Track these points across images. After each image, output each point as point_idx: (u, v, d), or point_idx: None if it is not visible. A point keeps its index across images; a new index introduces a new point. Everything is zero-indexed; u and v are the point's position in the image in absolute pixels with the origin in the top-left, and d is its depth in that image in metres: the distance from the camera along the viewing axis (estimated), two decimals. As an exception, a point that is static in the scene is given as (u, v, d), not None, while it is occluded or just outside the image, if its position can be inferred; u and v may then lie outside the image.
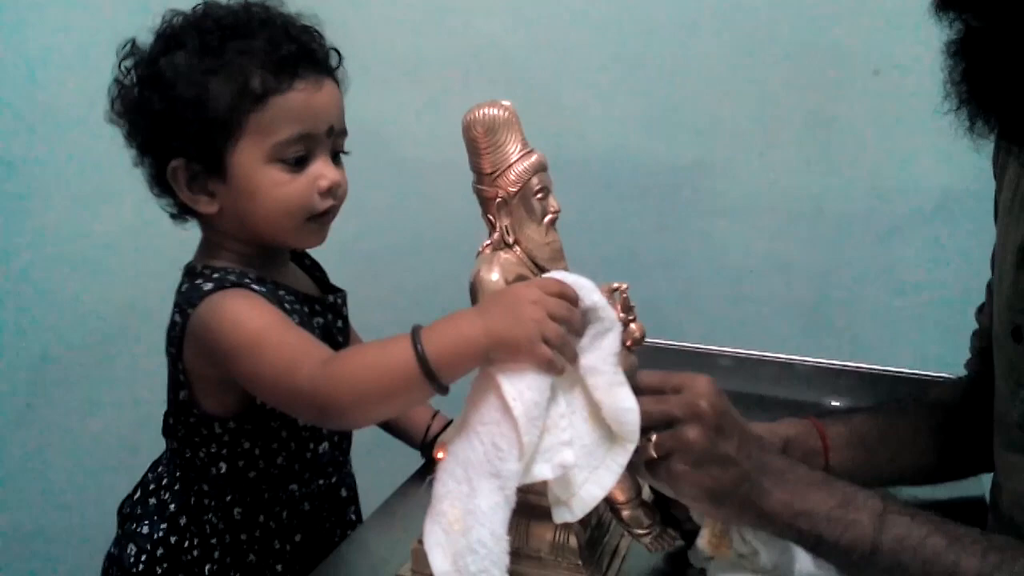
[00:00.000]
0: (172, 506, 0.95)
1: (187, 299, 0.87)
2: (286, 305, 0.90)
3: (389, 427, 1.14)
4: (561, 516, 0.71)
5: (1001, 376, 0.82)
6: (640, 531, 0.77)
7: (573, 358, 0.71)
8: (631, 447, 0.70)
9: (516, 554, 0.79)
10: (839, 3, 1.42)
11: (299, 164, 0.88)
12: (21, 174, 1.41)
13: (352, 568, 0.90)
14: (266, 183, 0.87)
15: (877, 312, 1.50)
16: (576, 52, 1.52)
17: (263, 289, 0.88)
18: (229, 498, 0.94)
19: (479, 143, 0.77)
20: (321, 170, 0.89)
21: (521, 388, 0.68)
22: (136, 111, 0.90)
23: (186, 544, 0.94)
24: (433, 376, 0.70)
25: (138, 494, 0.99)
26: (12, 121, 1.38)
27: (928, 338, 1.46)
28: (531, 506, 0.79)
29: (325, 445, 0.98)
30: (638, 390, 0.73)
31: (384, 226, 1.60)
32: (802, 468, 0.73)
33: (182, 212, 0.94)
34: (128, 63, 0.91)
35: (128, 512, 0.99)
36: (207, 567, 0.94)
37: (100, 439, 1.57)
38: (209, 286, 0.86)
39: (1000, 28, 0.69)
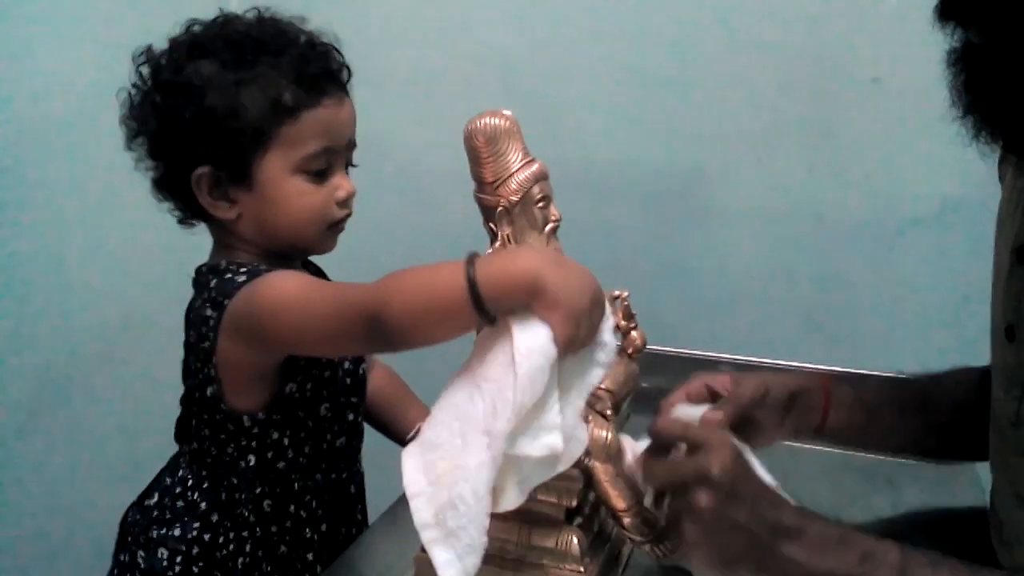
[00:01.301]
0: (203, 504, 0.96)
1: (221, 292, 0.88)
2: None
3: (390, 433, 1.14)
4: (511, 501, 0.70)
5: (996, 376, 0.83)
6: (641, 539, 0.78)
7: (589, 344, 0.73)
8: (560, 468, 0.71)
9: (518, 561, 0.79)
10: (838, 11, 1.43)
11: (320, 175, 0.92)
12: (21, 180, 1.41)
13: (357, 575, 0.90)
14: (292, 193, 0.91)
15: (877, 318, 1.51)
16: (577, 62, 1.53)
17: None
18: (259, 491, 0.95)
19: (480, 152, 0.78)
20: (340, 182, 0.94)
21: (533, 348, 0.68)
22: (160, 117, 0.92)
23: (220, 540, 0.95)
24: (480, 302, 0.69)
25: (155, 499, 0.99)
26: (13, 126, 1.38)
27: (928, 344, 1.46)
28: (533, 513, 0.79)
29: (343, 439, 1.00)
30: (658, 440, 0.74)
31: (386, 235, 1.60)
32: (819, 524, 0.71)
33: (192, 216, 0.96)
34: (146, 69, 0.93)
35: (140, 519, 0.99)
36: (240, 561, 0.96)
37: (103, 447, 1.57)
38: (243, 278, 0.88)
39: (999, 44, 0.69)
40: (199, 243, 1.00)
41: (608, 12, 1.51)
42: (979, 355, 0.96)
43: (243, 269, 0.90)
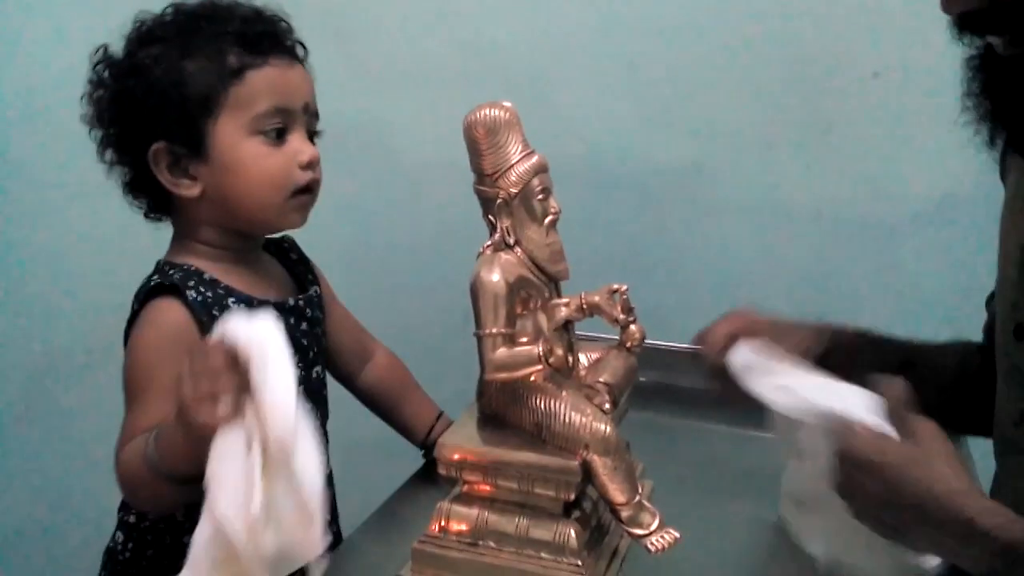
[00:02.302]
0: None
1: (138, 294, 0.91)
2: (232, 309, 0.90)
3: (392, 422, 1.14)
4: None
5: (1002, 375, 0.82)
6: (640, 532, 0.78)
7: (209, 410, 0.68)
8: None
9: (516, 555, 0.79)
10: (839, 5, 1.42)
11: (279, 137, 0.91)
12: (18, 174, 1.41)
13: (352, 568, 0.90)
14: (248, 156, 0.89)
15: (877, 314, 1.50)
16: (577, 54, 1.52)
17: (200, 298, 0.88)
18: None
19: (480, 144, 0.78)
20: (300, 145, 0.92)
21: (223, 493, 0.66)
22: (114, 104, 0.92)
23: (162, 526, 0.95)
24: (167, 474, 0.76)
25: None
26: (9, 121, 1.38)
27: (928, 339, 1.46)
28: (531, 506, 0.79)
29: None
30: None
31: (384, 226, 1.60)
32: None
33: (157, 208, 0.96)
34: (101, 67, 0.94)
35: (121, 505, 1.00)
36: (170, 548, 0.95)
37: (99, 440, 1.56)
38: (155, 279, 0.90)
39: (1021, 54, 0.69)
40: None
41: (608, 5, 1.51)
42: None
43: (170, 271, 0.90)
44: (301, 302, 0.99)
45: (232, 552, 0.65)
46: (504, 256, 0.79)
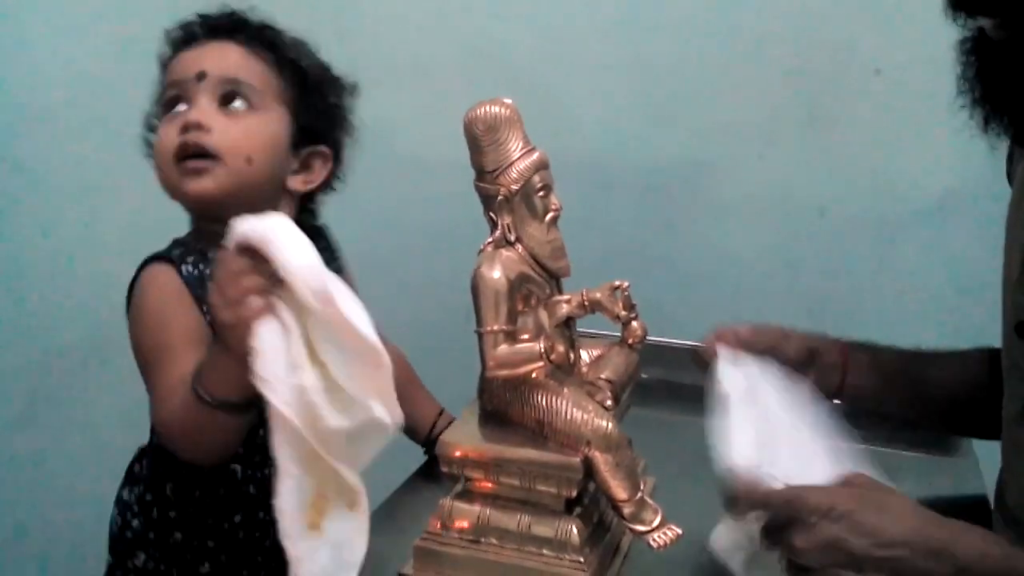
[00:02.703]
0: (137, 469, 0.99)
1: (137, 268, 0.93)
2: None
3: None
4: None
5: (1006, 373, 0.82)
6: (642, 529, 0.78)
7: (240, 305, 0.70)
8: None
9: (518, 552, 0.79)
10: (840, 2, 1.42)
11: (170, 108, 0.92)
12: (21, 174, 1.41)
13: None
14: (161, 136, 0.91)
15: (879, 311, 1.50)
16: (577, 51, 1.52)
17: (195, 272, 0.90)
18: (162, 471, 0.95)
19: (481, 140, 0.77)
20: (185, 111, 0.91)
21: (267, 364, 0.68)
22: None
23: (153, 508, 0.96)
24: (225, 404, 0.76)
25: None
26: (12, 121, 1.38)
27: (930, 337, 1.45)
28: (532, 503, 0.79)
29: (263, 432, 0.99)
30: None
31: (385, 224, 1.60)
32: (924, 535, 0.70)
33: None
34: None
35: None
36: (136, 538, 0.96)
37: (100, 440, 1.56)
38: (150, 254, 0.92)
39: (1013, 35, 0.69)
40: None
41: (609, 2, 1.50)
42: (981, 346, 0.96)
43: (174, 247, 0.93)
44: None
45: (307, 445, 0.67)
46: (505, 253, 0.79)
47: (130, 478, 1.00)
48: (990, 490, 0.96)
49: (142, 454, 1.00)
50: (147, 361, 0.89)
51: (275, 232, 0.68)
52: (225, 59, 0.93)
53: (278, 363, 0.67)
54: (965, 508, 0.94)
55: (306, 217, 1.01)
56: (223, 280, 0.71)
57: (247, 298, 0.69)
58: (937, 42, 0.76)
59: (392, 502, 1.00)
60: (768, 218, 1.52)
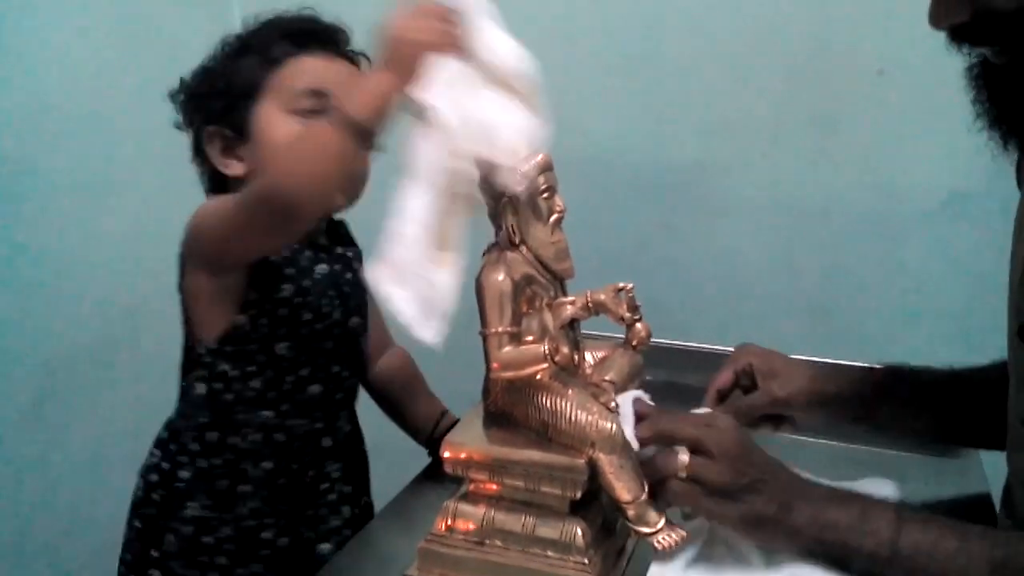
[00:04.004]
0: (164, 434, 1.02)
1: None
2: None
3: (397, 418, 1.15)
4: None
5: (1013, 374, 0.82)
6: (647, 530, 0.77)
7: (457, 41, 0.77)
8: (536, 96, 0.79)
9: (522, 553, 0.79)
10: (843, 3, 1.42)
11: (314, 116, 0.93)
12: (24, 174, 1.41)
13: (360, 567, 0.90)
14: (286, 133, 0.94)
15: (883, 312, 1.50)
16: (581, 52, 1.52)
17: None
18: (203, 420, 0.98)
19: (485, 142, 0.77)
20: None
21: (434, 94, 0.74)
22: (187, 103, 1.02)
23: (170, 467, 1.00)
24: (363, 130, 0.78)
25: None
26: (14, 120, 1.38)
27: (934, 338, 1.46)
28: (537, 505, 0.79)
29: (317, 387, 1.01)
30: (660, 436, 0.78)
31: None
32: (822, 487, 0.78)
33: (213, 183, 1.03)
34: (188, 78, 1.03)
35: None
36: (179, 488, 0.99)
37: (105, 442, 1.57)
38: None
39: (1012, 59, 0.70)
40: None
41: (613, 3, 1.51)
42: (985, 348, 0.96)
43: None
44: (350, 254, 1.06)
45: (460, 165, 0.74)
46: (510, 255, 0.79)
47: (160, 445, 1.03)
48: (994, 491, 0.96)
49: (168, 426, 1.04)
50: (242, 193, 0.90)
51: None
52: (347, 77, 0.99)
53: (444, 96, 0.74)
54: (969, 509, 0.94)
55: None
56: (425, 6, 0.76)
57: (439, 29, 0.76)
58: (939, 43, 0.76)
59: (397, 503, 1.00)
60: (771, 219, 1.52)
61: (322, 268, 1.02)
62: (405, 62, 0.75)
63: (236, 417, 0.98)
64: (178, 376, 1.02)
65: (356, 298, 1.05)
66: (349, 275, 1.05)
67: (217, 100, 0.98)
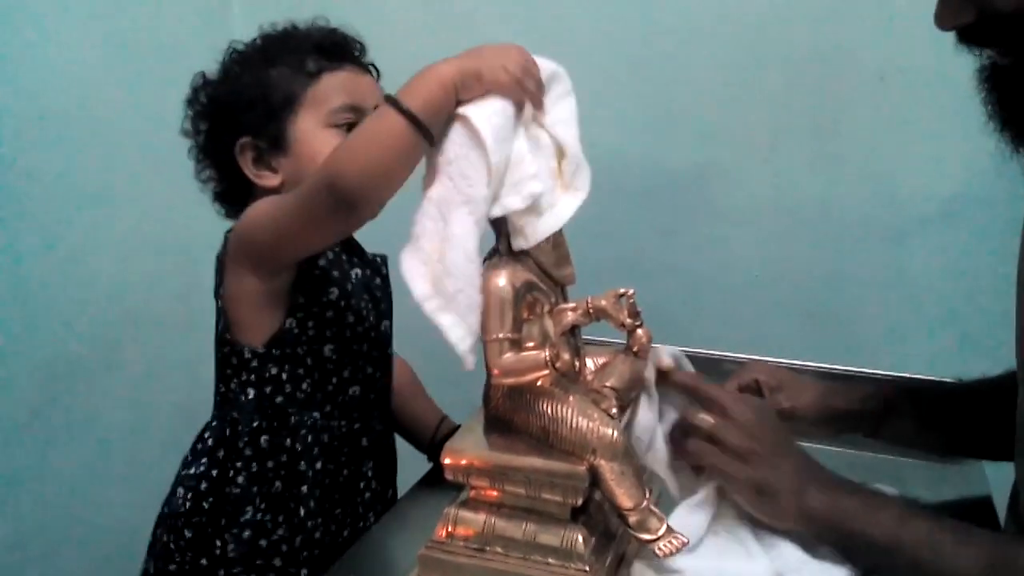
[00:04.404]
0: (210, 441, 1.00)
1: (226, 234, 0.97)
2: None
3: (397, 426, 1.14)
4: (517, 244, 0.78)
5: (1021, 377, 0.82)
6: (648, 537, 0.77)
7: (536, 89, 0.80)
8: (583, 196, 0.84)
9: (523, 560, 0.79)
10: (844, 7, 1.42)
11: (351, 131, 0.95)
12: (28, 180, 1.41)
13: (361, 573, 0.90)
14: (324, 146, 0.94)
15: (884, 317, 1.50)
16: (580, 56, 1.51)
17: None
18: (256, 425, 0.98)
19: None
20: None
21: (488, 114, 0.75)
22: (207, 110, 1.03)
23: (223, 475, 0.98)
24: (421, 125, 0.77)
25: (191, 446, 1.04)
26: (16, 122, 1.38)
27: (935, 343, 1.46)
28: (538, 511, 0.79)
29: (356, 388, 1.03)
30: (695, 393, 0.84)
31: (391, 230, 1.60)
32: (835, 474, 0.80)
33: (239, 202, 1.01)
34: (199, 85, 1.04)
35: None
36: (235, 493, 0.98)
37: (106, 445, 1.57)
38: None
39: (1016, 60, 0.70)
40: (204, 239, 1.00)
41: (613, 7, 1.51)
42: (983, 353, 0.96)
43: None
44: (378, 259, 1.09)
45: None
46: (510, 261, 0.79)
47: (195, 453, 1.02)
48: (996, 497, 0.96)
49: (206, 429, 1.03)
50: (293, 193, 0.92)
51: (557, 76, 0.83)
52: (377, 93, 1.02)
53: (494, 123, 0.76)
54: (971, 515, 0.94)
55: None
56: (525, 57, 0.79)
57: (525, 67, 0.78)
58: (941, 48, 0.76)
59: (397, 510, 1.00)
60: (772, 223, 1.52)
61: (357, 272, 1.05)
62: (479, 80, 0.77)
63: (288, 420, 0.98)
64: (213, 383, 1.02)
65: (385, 302, 1.08)
66: (378, 280, 1.08)
67: (250, 112, 0.99)
